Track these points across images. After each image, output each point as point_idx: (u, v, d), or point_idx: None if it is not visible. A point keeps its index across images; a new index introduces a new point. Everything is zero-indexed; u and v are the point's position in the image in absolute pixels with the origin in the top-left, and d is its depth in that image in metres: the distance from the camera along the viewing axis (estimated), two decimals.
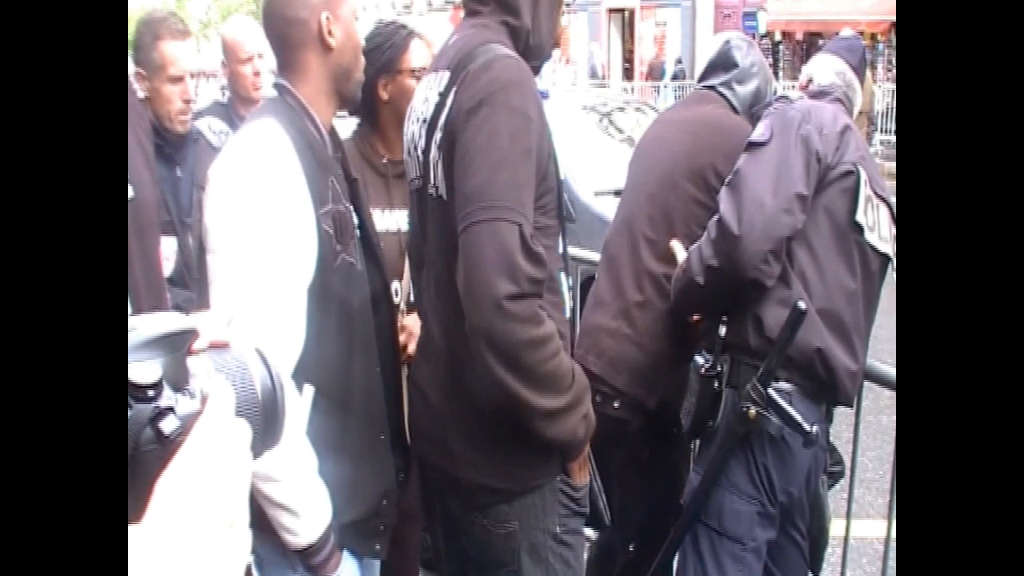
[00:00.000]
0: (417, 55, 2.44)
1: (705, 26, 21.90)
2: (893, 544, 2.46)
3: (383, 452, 1.87)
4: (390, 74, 2.42)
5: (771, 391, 2.09)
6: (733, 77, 2.60)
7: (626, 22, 26.69)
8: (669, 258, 2.36)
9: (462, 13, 1.87)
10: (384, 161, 2.47)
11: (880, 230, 2.21)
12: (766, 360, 2.09)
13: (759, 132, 2.15)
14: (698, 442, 2.32)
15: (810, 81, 2.50)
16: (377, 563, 2.02)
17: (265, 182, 1.61)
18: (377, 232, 1.97)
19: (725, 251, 2.07)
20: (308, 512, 1.64)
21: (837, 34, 2.75)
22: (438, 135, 1.67)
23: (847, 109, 2.40)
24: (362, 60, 1.83)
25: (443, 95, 1.68)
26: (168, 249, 2.77)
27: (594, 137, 6.49)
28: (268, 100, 1.80)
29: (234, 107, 3.25)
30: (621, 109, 7.31)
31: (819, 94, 2.40)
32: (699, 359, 2.19)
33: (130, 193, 2.16)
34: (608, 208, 4.53)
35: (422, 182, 1.77)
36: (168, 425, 0.77)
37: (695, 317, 2.30)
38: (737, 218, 2.05)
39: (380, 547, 1.89)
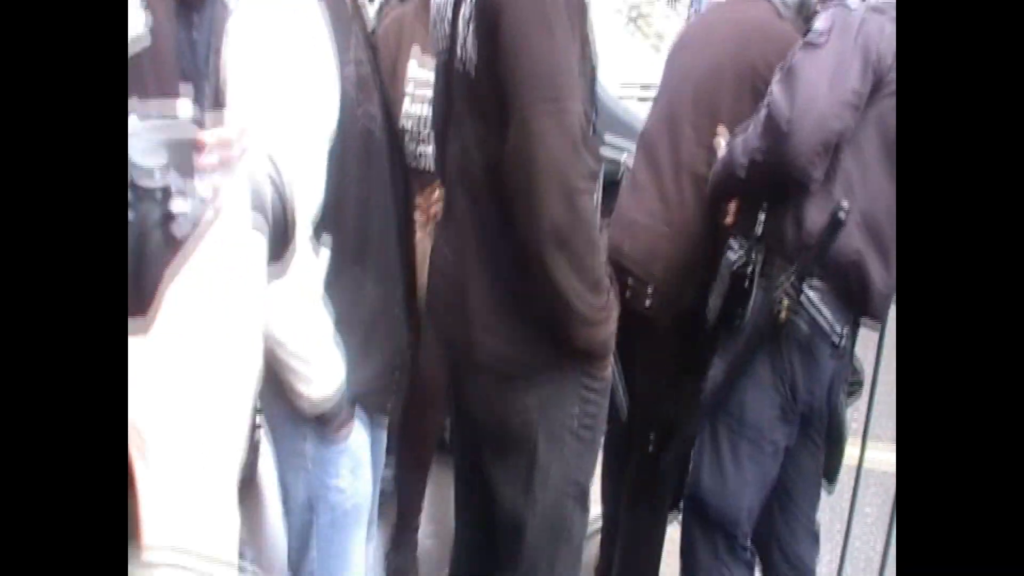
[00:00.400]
0: None
1: None
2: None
3: (397, 315, 1.87)
4: None
5: (803, 295, 2.09)
6: None
7: None
8: (711, 150, 2.34)
9: None
10: None
11: None
12: (799, 261, 2.09)
13: (817, 28, 2.12)
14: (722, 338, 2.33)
15: None
16: (384, 435, 2.02)
17: (287, 31, 1.59)
18: (389, 88, 1.95)
19: (773, 141, 2.03)
20: (321, 376, 1.63)
21: None
22: (466, 8, 1.64)
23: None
24: None
25: None
26: (183, 110, 2.74)
27: (622, 34, 6.35)
28: None
29: None
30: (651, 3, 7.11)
31: (874, 10, 2.36)
32: (731, 253, 2.20)
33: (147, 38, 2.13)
34: (629, 106, 4.54)
35: (448, 55, 1.75)
36: (179, 229, 0.76)
37: (730, 217, 2.30)
38: (789, 110, 2.00)
39: (390, 404, 1.90)
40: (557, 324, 1.69)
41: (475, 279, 1.75)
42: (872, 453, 2.65)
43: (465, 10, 1.65)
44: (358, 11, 1.79)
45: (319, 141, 1.61)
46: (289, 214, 0.87)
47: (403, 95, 2.48)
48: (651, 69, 5.15)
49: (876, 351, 2.51)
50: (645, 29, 6.64)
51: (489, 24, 1.59)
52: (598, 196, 1.73)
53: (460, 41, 1.67)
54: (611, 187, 2.32)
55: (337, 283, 1.66)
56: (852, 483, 2.64)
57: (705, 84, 2.43)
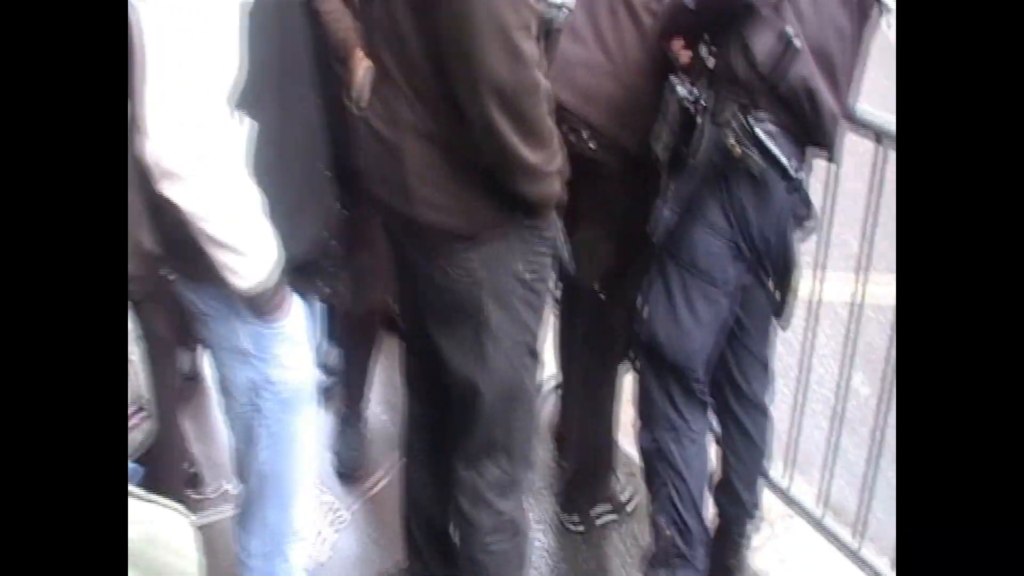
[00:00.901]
0: None
1: None
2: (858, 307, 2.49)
3: (324, 185, 1.79)
4: None
5: (756, 127, 2.02)
6: None
7: None
8: None
9: None
10: None
11: None
12: (753, 92, 2.01)
13: None
14: (670, 178, 2.26)
15: None
16: (319, 308, 1.96)
17: None
18: None
19: None
20: (253, 251, 1.56)
21: None
22: None
23: None
24: None
25: None
26: None
27: None
28: None
29: None
30: None
31: None
32: (679, 88, 2.10)
33: None
34: None
35: None
36: None
37: (677, 47, 2.19)
38: None
39: (325, 286, 1.85)
40: (502, 181, 1.64)
41: (411, 143, 1.68)
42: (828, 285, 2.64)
43: None
44: None
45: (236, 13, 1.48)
46: None
47: None
48: None
49: (829, 186, 2.46)
50: None
51: None
52: (542, 42, 1.64)
53: None
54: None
55: (259, 156, 1.58)
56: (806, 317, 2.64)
57: None
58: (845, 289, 2.56)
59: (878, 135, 2.30)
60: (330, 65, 1.85)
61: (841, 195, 2.49)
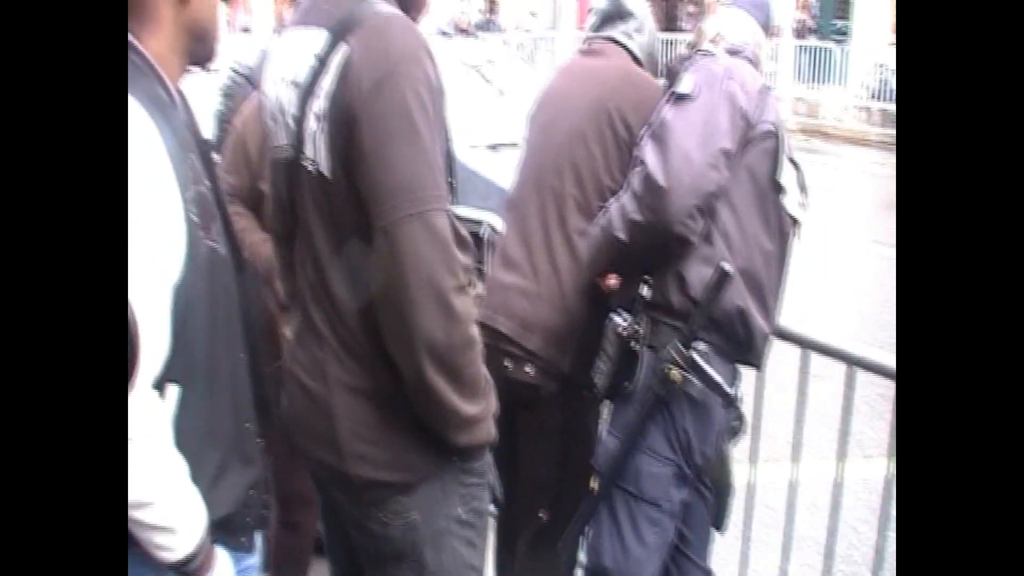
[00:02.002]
0: None
1: None
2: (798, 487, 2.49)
3: (250, 440, 1.71)
4: None
5: (693, 353, 2.04)
6: (632, 27, 2.53)
7: None
8: (580, 213, 2.27)
9: None
10: None
11: (793, 194, 2.19)
12: (690, 321, 2.04)
13: (686, 85, 2.07)
14: (611, 404, 2.26)
15: (718, 35, 2.45)
16: (250, 558, 1.88)
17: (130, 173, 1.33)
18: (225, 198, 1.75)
19: (651, 204, 2.00)
20: (184, 526, 1.48)
21: None
22: (320, 104, 1.51)
23: (757, 68, 2.36)
24: (221, 18, 1.60)
25: (323, 59, 1.52)
26: None
27: (468, 89, 6.34)
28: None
29: None
30: (491, 62, 7.16)
31: (732, 52, 2.35)
32: (617, 319, 2.12)
33: None
34: (481, 163, 4.44)
35: (293, 152, 1.60)
36: None
37: (610, 280, 2.23)
38: (664, 171, 1.98)
39: (247, 541, 1.76)
40: (438, 434, 1.60)
41: (341, 399, 1.62)
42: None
43: (316, 106, 1.52)
44: (193, 123, 1.57)
45: (165, 287, 1.42)
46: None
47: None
48: (498, 118, 5.11)
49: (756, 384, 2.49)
50: (490, 75, 6.60)
51: (346, 127, 1.47)
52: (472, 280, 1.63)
53: (310, 138, 1.54)
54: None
55: (186, 427, 1.50)
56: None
57: (567, 145, 2.33)
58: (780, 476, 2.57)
59: (802, 344, 2.35)
60: (252, 324, 1.79)
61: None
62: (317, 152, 1.53)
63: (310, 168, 1.56)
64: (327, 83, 1.49)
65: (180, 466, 1.49)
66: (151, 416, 1.42)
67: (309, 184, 1.58)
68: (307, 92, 1.54)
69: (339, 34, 1.50)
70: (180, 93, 1.54)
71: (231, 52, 3.57)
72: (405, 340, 1.49)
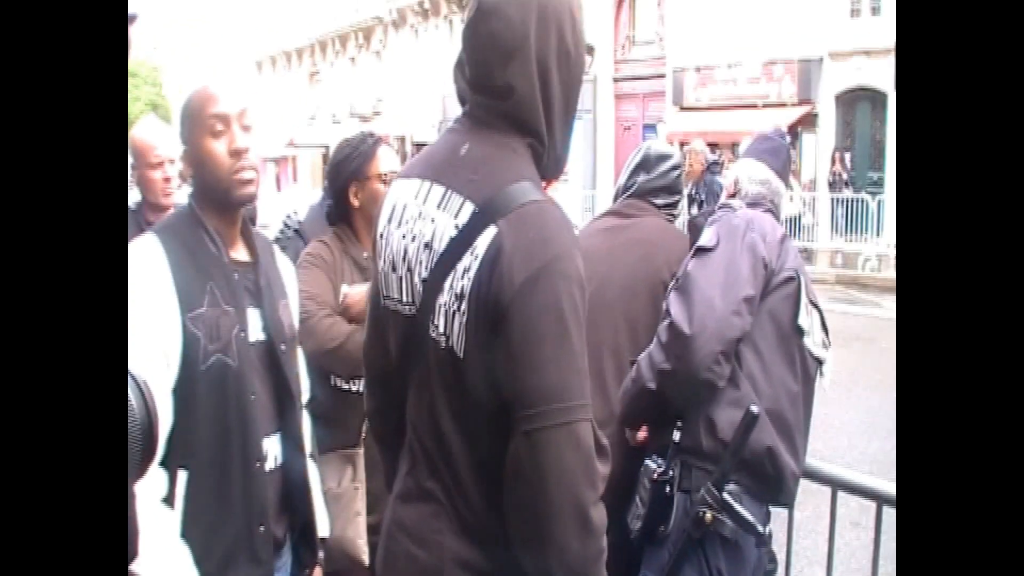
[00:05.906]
0: (385, 161, 2.58)
1: (606, 138, 22.57)
2: None
3: (260, 543, 1.85)
4: (360, 181, 2.57)
5: (726, 494, 2.11)
6: (662, 188, 2.72)
7: None
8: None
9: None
10: (365, 255, 2.55)
11: (815, 335, 2.29)
12: (721, 463, 2.12)
13: (707, 238, 2.22)
14: (646, 547, 2.30)
15: (736, 184, 2.59)
16: None
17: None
18: (284, 328, 1.98)
19: (677, 353, 2.11)
20: None
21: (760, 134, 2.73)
22: (461, 284, 1.43)
23: (776, 217, 2.50)
24: (231, 171, 1.85)
25: (466, 235, 1.44)
26: None
27: None
28: (176, 208, 2.02)
29: (143, 212, 3.00)
30: None
31: (752, 205, 2.49)
32: (650, 464, 2.20)
33: None
34: None
35: (416, 312, 1.52)
36: None
37: (640, 434, 2.33)
38: (688, 319, 2.09)
39: None
40: None
41: (453, 573, 1.52)
42: None
43: (457, 285, 1.43)
44: (222, 262, 1.87)
45: (158, 383, 1.66)
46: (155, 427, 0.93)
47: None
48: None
49: (788, 523, 2.52)
50: None
51: (492, 318, 1.40)
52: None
53: (443, 312, 1.46)
54: None
55: (193, 514, 1.72)
56: None
57: (619, 302, 2.51)
58: None
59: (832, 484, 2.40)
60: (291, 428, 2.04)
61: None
62: (450, 328, 1.45)
63: (439, 339, 1.47)
64: (472, 264, 1.41)
65: (186, 561, 1.68)
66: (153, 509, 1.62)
67: (435, 354, 1.49)
68: (446, 264, 1.46)
69: (488, 214, 1.43)
70: (247, 233, 1.97)
71: (282, 207, 3.92)
72: (538, 547, 1.42)
